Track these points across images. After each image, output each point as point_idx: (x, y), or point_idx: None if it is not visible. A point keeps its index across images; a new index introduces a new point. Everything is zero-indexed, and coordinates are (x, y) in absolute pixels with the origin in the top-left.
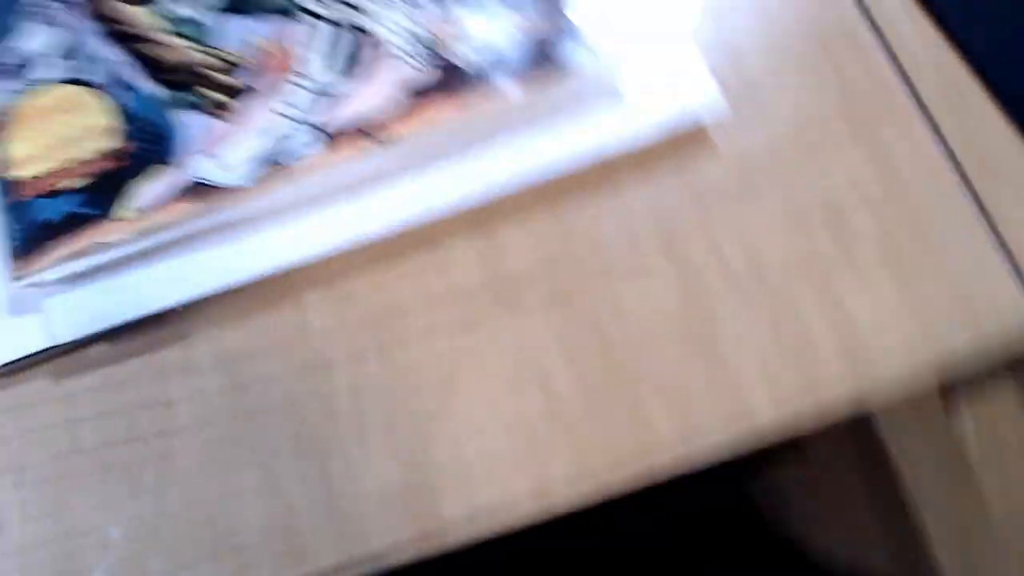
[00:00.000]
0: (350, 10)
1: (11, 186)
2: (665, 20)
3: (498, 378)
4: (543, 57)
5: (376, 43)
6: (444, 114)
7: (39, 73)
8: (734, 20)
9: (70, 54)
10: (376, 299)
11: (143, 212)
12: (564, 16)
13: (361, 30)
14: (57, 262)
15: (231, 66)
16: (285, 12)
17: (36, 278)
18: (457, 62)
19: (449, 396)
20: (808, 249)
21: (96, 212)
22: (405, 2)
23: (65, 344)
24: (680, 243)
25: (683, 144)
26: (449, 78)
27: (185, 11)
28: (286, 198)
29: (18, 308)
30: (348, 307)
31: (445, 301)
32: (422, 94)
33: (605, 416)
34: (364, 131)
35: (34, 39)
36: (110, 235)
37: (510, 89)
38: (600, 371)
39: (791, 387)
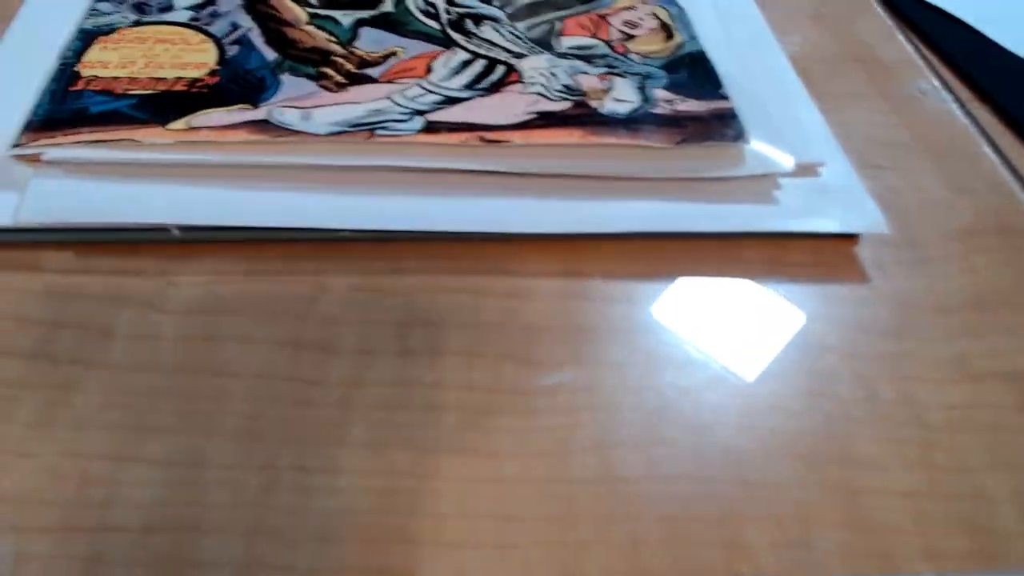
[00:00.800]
0: (497, 49)
1: (73, 76)
2: (821, 137)
3: (543, 430)
4: (689, 129)
5: (514, 74)
6: (567, 137)
7: (169, 16)
8: (900, 178)
9: (207, 11)
10: (416, 301)
11: (194, 128)
12: (723, 105)
13: (503, 63)
14: (73, 144)
15: (364, 63)
16: (429, 36)
17: (37, 152)
18: (597, 107)
19: (470, 432)
20: (980, 407)
21: (144, 117)
22: (556, 55)
23: (24, 231)
24: (815, 356)
25: (831, 258)
26: (583, 114)
27: (335, 15)
28: (354, 162)
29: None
30: (379, 299)
31: (503, 328)
32: (549, 117)
33: (684, 517)
34: (471, 128)
35: None
36: (146, 136)
37: (646, 138)
38: (688, 460)
39: (957, 552)
